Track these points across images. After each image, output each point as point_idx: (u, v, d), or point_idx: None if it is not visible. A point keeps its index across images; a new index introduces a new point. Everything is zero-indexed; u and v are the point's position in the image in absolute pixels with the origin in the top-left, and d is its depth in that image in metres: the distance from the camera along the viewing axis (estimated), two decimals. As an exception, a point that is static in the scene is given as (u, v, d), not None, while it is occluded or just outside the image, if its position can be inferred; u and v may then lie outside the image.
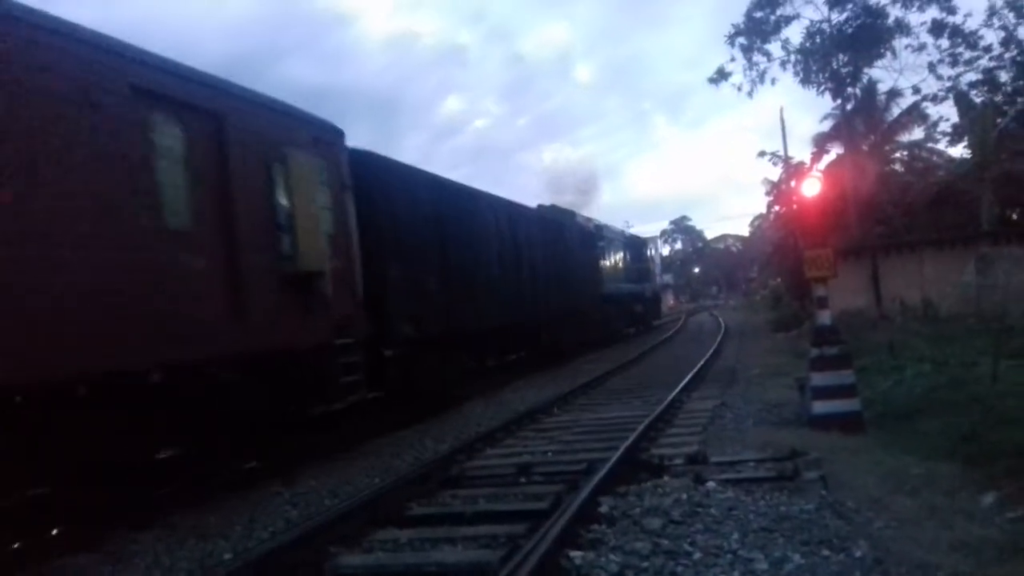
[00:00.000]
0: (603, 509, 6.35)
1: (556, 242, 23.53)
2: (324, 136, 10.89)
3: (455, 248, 15.42)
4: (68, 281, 6.50)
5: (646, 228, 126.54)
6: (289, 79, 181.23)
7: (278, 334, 9.18)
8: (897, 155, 33.70)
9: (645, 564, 5.13)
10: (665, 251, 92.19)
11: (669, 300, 76.56)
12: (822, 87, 31.66)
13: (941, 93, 32.24)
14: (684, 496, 6.58)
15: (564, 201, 34.61)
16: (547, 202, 31.19)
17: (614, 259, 33.00)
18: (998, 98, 32.22)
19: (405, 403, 12.95)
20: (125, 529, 7.52)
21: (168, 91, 7.96)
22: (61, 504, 7.25)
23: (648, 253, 41.58)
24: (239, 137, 8.77)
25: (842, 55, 31.05)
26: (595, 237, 29.65)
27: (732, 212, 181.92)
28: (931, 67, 31.66)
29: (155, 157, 7.67)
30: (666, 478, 7.34)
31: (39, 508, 7.18)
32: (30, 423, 6.40)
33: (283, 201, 9.38)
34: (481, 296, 16.60)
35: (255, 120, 9.22)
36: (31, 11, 6.58)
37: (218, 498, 8.60)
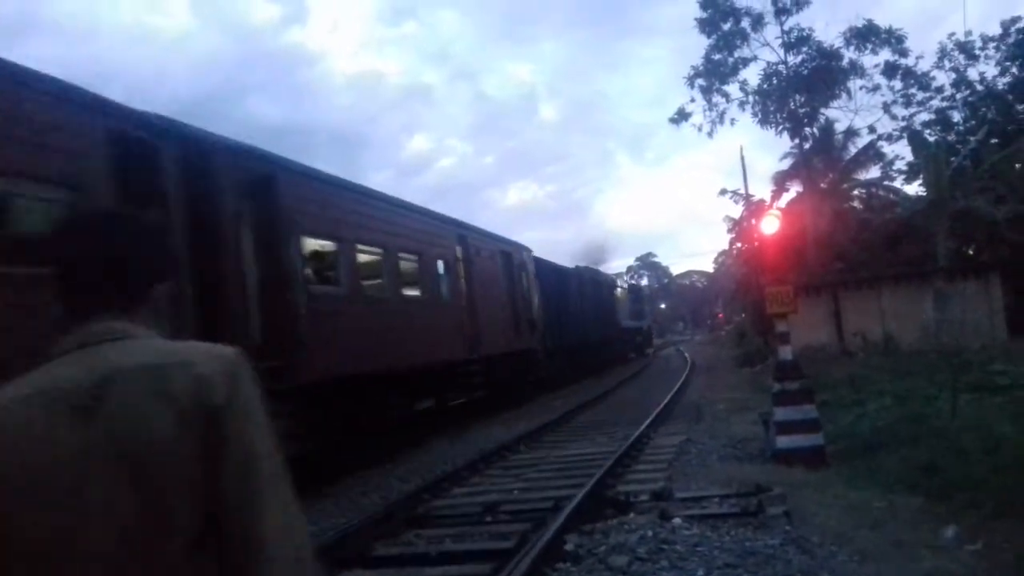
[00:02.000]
0: (569, 547, 6.32)
1: (595, 291, 35.13)
2: (527, 254, 23.43)
3: (561, 298, 27.36)
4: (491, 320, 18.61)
5: (611, 265, 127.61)
6: (254, 116, 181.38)
7: (509, 345, 20.12)
8: (855, 192, 34.34)
9: (611, 602, 5.11)
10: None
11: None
12: (780, 127, 32.39)
13: (896, 132, 33.21)
14: (650, 533, 6.57)
15: (587, 259, 48.79)
16: (562, 257, 43.86)
17: (624, 302, 47.17)
18: (951, 137, 33.16)
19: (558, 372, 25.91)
20: None
21: (500, 247, 20.83)
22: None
23: (643, 297, 58.01)
24: (519, 260, 22.15)
25: (799, 96, 31.80)
26: (612, 287, 43.65)
27: (697, 248, 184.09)
28: (885, 107, 32.63)
29: (508, 276, 20.79)
30: (632, 515, 7.33)
31: None
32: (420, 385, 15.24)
33: (523, 285, 22.14)
34: (573, 324, 28.85)
35: (518, 251, 22.39)
36: (476, 230, 19.38)
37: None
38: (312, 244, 11.52)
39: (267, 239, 10.07)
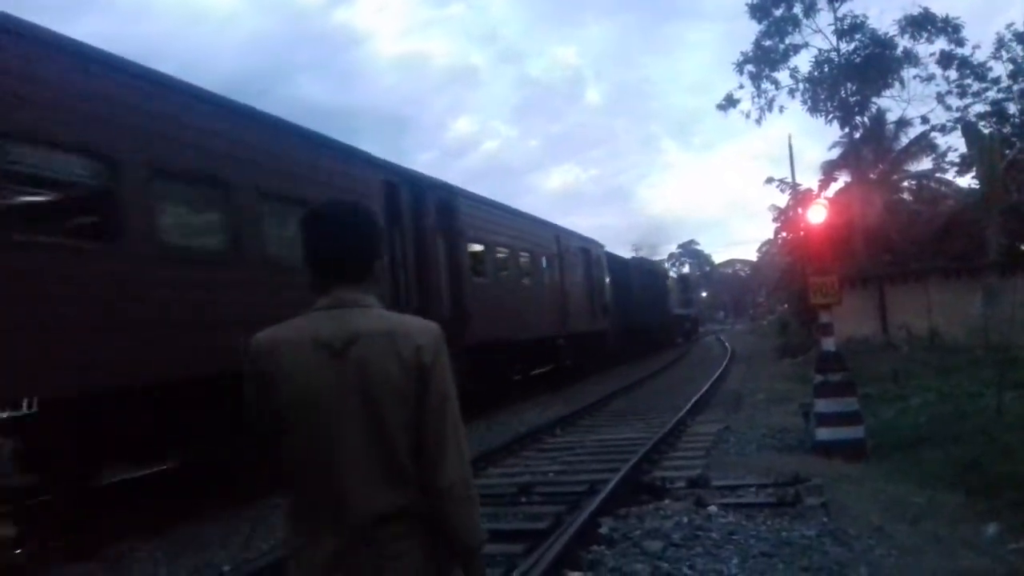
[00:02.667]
0: (603, 530, 6.34)
1: (651, 281, 39.71)
2: (600, 249, 27.58)
3: (624, 287, 31.20)
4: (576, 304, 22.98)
5: (657, 251, 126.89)
6: (300, 97, 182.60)
7: (588, 325, 23.85)
8: (905, 184, 33.69)
9: (644, 586, 5.13)
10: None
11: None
12: (830, 115, 31.84)
13: (949, 123, 32.37)
14: (685, 519, 6.57)
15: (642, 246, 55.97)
16: (616, 246, 49.96)
17: (674, 291, 49.76)
18: (1006, 129, 32.28)
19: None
20: (125, 538, 7.55)
21: (582, 244, 24.98)
22: (62, 512, 7.29)
23: (691, 286, 61.86)
24: (595, 255, 26.51)
25: (850, 84, 31.21)
26: (664, 277, 47.74)
27: (740, 237, 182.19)
28: (939, 97, 31.83)
29: (587, 268, 24.90)
30: (667, 500, 7.33)
31: (40, 516, 7.21)
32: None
33: (598, 275, 26.18)
34: (634, 310, 32.73)
35: (594, 247, 26.59)
36: (565, 230, 23.93)
37: (220, 509, 8.62)
38: (473, 247, 16.07)
39: (450, 245, 14.68)
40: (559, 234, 22.49)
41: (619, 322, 28.82)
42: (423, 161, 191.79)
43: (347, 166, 11.53)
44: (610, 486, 7.52)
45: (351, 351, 2.03)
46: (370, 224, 2.22)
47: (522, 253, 19.09)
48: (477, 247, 16.34)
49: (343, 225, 2.16)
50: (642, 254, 47.57)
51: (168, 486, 9.88)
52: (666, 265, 69.29)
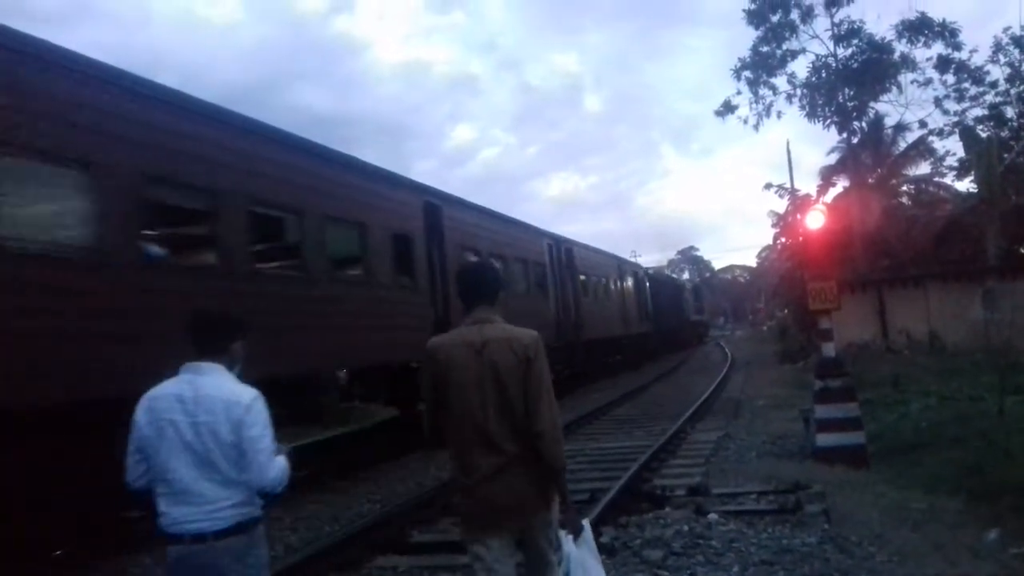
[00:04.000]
0: (604, 539, 6.32)
1: (673, 292, 47.90)
2: (643, 271, 38.52)
3: (656, 298, 37.65)
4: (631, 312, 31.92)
5: (652, 258, 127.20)
6: (301, 105, 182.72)
7: (635, 328, 31.80)
8: (903, 188, 33.72)
9: (645, 595, 5.11)
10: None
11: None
12: (828, 121, 31.79)
13: (947, 128, 32.38)
14: (685, 527, 6.56)
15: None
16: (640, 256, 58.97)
17: (689, 299, 55.47)
18: (1004, 133, 32.30)
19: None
20: (124, 551, 7.53)
21: (633, 269, 34.89)
22: (61, 525, 7.27)
23: (703, 295, 68.07)
24: (640, 275, 35.87)
25: (848, 89, 31.20)
26: (683, 288, 55.83)
27: (739, 243, 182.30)
28: (937, 102, 31.84)
29: (636, 286, 33.39)
30: (668, 509, 7.31)
31: (41, 530, 7.19)
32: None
33: (643, 290, 35.04)
34: (663, 316, 39.12)
35: (639, 269, 37.42)
36: (627, 260, 36.54)
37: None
38: (581, 278, 23.87)
39: (564, 278, 21.95)
40: (622, 263, 32.40)
41: (654, 327, 36.54)
42: (422, 169, 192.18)
43: (393, 191, 13.18)
44: (610, 494, 7.50)
45: (485, 350, 3.42)
46: (493, 272, 3.94)
47: (611, 283, 28.71)
48: (583, 277, 24.55)
49: (477, 275, 3.80)
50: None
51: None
52: (664, 270, 73.88)
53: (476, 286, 3.62)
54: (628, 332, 30.08)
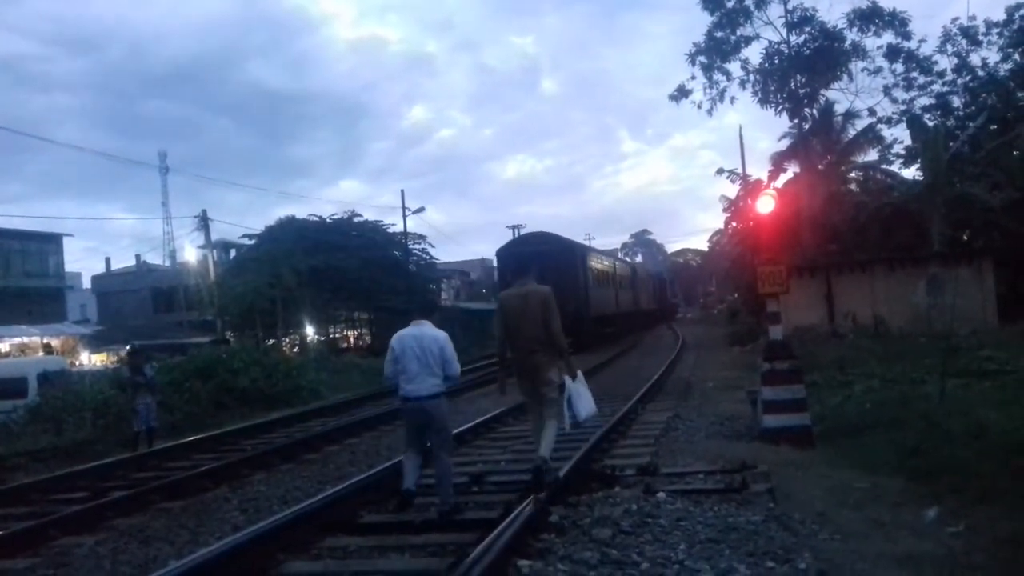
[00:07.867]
0: (553, 519, 6.35)
1: (658, 281, 65.48)
2: (643, 267, 64.99)
3: (649, 284, 58.53)
4: (648, 295, 57.50)
5: (607, 241, 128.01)
6: (253, 82, 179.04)
7: (648, 306, 55.53)
8: (852, 175, 34.24)
9: (592, 574, 5.14)
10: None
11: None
12: (780, 107, 32.21)
13: (895, 116, 33.10)
14: (634, 506, 6.61)
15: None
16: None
17: (660, 286, 66.80)
18: (950, 122, 33.05)
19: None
20: (66, 532, 7.39)
21: (637, 267, 58.03)
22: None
23: (676, 283, 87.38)
24: (644, 273, 58.80)
25: (800, 76, 31.61)
26: (656, 277, 66.22)
27: (693, 227, 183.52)
28: (886, 90, 32.50)
29: (645, 278, 58.02)
30: (617, 488, 7.37)
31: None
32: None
33: (649, 282, 59.76)
34: (655, 299, 60.75)
35: (640, 267, 61.01)
36: (643, 265, 69.78)
37: (165, 502, 8.49)
38: (595, 268, 36.18)
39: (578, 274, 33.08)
40: (638, 268, 54.92)
41: (652, 306, 55.02)
42: (377, 150, 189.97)
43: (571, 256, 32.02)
44: (560, 474, 7.53)
45: (527, 298, 7.32)
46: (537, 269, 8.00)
47: (639, 280, 50.12)
48: (597, 267, 36.82)
49: (523, 264, 8.56)
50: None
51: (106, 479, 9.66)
52: (618, 253, 76.85)
53: (519, 272, 7.89)
54: (640, 309, 49.03)
